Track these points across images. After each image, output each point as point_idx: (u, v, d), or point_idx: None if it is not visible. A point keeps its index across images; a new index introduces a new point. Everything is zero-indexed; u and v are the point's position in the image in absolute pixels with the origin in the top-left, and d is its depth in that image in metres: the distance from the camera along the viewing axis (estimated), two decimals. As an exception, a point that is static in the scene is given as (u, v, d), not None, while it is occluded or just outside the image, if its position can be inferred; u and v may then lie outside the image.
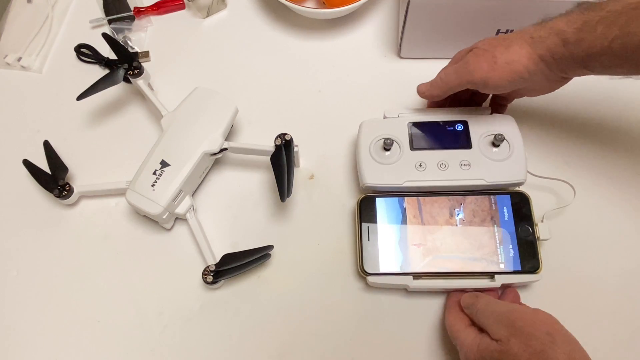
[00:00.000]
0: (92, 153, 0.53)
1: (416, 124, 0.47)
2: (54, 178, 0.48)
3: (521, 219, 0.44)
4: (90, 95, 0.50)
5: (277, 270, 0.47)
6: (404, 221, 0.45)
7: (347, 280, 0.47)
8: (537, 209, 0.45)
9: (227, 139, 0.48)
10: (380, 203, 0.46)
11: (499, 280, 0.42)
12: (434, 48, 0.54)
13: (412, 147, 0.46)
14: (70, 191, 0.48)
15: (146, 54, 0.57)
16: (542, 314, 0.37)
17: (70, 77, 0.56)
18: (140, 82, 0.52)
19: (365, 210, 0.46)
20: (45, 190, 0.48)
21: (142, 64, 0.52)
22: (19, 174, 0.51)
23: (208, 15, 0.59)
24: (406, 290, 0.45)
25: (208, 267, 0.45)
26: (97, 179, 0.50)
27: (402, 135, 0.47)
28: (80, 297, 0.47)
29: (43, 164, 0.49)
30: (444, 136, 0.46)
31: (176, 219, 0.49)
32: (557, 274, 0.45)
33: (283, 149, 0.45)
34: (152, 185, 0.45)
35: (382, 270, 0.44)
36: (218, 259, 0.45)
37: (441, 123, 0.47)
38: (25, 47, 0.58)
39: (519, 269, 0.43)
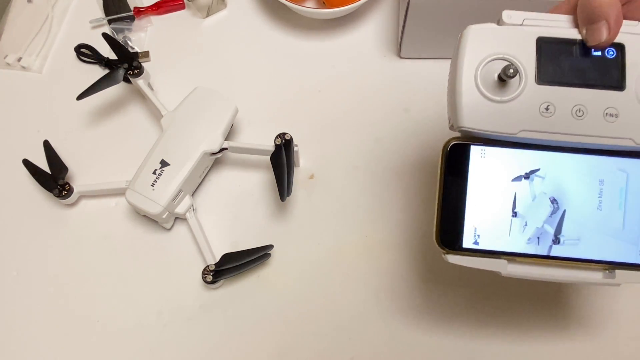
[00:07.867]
0: (92, 153, 0.53)
1: (548, 42, 0.32)
2: (53, 178, 0.48)
3: None
4: (90, 95, 0.50)
5: (277, 270, 0.47)
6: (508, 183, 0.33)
7: (347, 280, 0.47)
8: None
9: (227, 138, 0.48)
10: (481, 153, 0.33)
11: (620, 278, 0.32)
12: (434, 48, 0.54)
13: (540, 79, 0.32)
14: (70, 191, 0.48)
15: (146, 54, 0.57)
16: None
17: (70, 77, 0.56)
18: (140, 82, 0.52)
19: (456, 163, 0.33)
20: (45, 190, 0.48)
21: (142, 64, 0.52)
22: (19, 174, 0.51)
23: (208, 15, 0.59)
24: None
25: (208, 266, 0.45)
26: (97, 179, 0.50)
27: (525, 58, 0.32)
28: (79, 296, 0.47)
29: (43, 164, 0.49)
30: (586, 65, 0.32)
31: (176, 218, 0.49)
32: None
33: (283, 149, 0.45)
34: (151, 185, 0.45)
35: (467, 246, 0.33)
36: (218, 259, 0.45)
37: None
38: (25, 47, 0.58)
39: None
